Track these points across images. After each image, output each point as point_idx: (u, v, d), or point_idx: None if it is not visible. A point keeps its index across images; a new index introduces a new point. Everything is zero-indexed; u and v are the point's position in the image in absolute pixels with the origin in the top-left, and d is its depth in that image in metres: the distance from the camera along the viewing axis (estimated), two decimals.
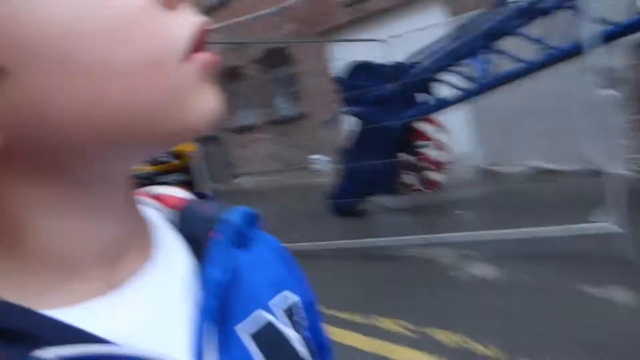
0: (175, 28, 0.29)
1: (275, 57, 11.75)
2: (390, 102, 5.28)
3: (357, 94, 5.46)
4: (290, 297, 0.44)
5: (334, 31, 10.21)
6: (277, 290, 0.43)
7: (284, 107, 12.30)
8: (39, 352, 0.26)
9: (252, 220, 0.41)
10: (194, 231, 0.39)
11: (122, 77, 0.27)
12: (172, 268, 0.36)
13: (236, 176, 12.71)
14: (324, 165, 10.10)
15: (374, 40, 6.33)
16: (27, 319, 0.27)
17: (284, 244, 0.50)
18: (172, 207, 0.42)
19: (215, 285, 0.35)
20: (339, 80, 5.89)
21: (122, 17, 0.27)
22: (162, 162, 11.91)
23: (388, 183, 5.85)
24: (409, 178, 6.10)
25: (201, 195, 0.46)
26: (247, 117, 13.02)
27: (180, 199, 0.43)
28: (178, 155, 12.18)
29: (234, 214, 0.40)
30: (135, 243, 0.35)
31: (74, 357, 0.27)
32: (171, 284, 0.35)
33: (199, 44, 0.30)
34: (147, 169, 11.67)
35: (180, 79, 0.29)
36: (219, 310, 0.35)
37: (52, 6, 0.26)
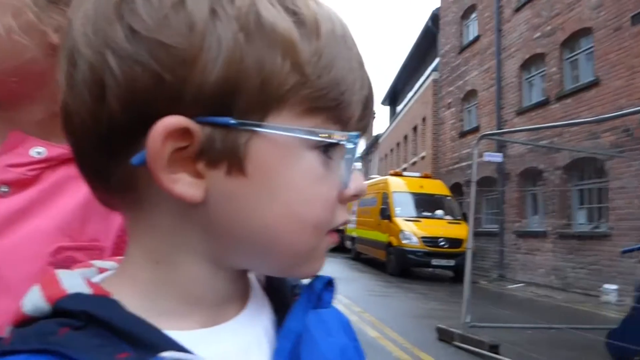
0: (337, 216, 0.43)
1: (584, 167, 10.77)
2: None
3: None
4: None
5: None
6: (347, 357, 0.51)
7: (582, 222, 11.05)
8: (162, 354, 0.35)
9: (329, 285, 0.48)
10: (280, 292, 0.49)
11: (301, 225, 0.40)
12: (260, 317, 0.46)
13: (506, 279, 11.86)
14: (614, 298, 8.59)
15: None
16: (151, 332, 0.37)
17: None
18: None
19: (290, 332, 0.43)
20: None
21: (328, 197, 0.41)
22: (439, 245, 12.09)
23: None
24: None
25: None
26: (537, 224, 12.16)
27: None
28: (454, 242, 12.22)
29: (317, 281, 0.47)
30: (240, 295, 0.46)
31: None
32: (258, 330, 0.44)
33: (337, 230, 0.44)
34: (420, 247, 12.02)
35: (320, 245, 0.42)
36: (290, 353, 0.42)
37: (301, 174, 0.40)
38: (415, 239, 12.27)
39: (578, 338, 5.35)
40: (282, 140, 0.38)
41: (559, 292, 10.15)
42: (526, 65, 13.22)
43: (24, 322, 0.37)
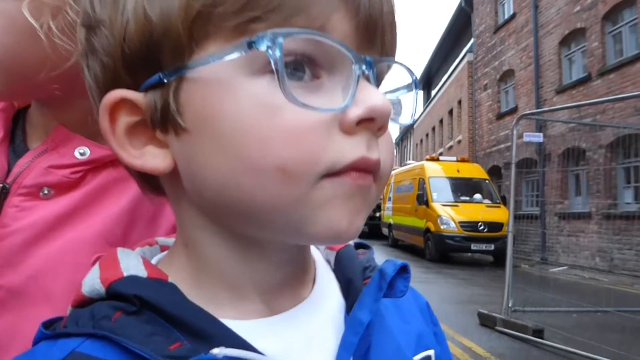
0: (340, 151, 0.33)
1: (630, 145, 10.35)
2: None
3: None
4: (432, 358, 0.47)
5: None
6: (422, 347, 0.46)
7: (629, 201, 10.66)
8: (213, 350, 0.32)
9: (403, 272, 0.43)
10: (349, 274, 0.44)
11: (258, 175, 0.33)
12: (325, 304, 0.42)
13: (548, 263, 11.60)
14: None
15: None
16: (209, 322, 0.35)
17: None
18: (330, 248, 0.48)
19: (358, 323, 0.39)
20: None
21: (294, 130, 0.32)
22: (478, 230, 11.90)
23: None
24: None
25: (363, 246, 0.50)
26: (580, 205, 11.81)
27: None
28: (493, 226, 12.00)
29: (388, 265, 0.42)
30: (298, 281, 0.42)
31: (235, 359, 0.33)
32: (323, 318, 0.41)
33: (357, 168, 0.34)
34: (459, 232, 11.87)
35: (311, 193, 0.33)
36: (357, 347, 0.38)
37: (242, 109, 0.33)
38: (453, 224, 12.11)
39: (627, 321, 5.18)
40: (211, 77, 0.33)
41: (605, 274, 9.84)
42: (565, 41, 12.75)
43: (82, 303, 0.37)
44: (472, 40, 19.45)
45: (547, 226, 12.44)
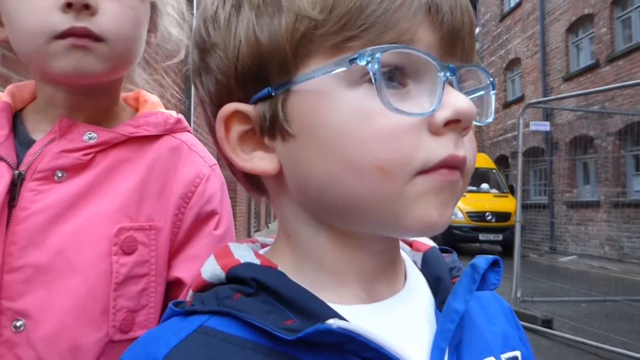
0: (430, 150, 0.37)
1: None
2: None
3: None
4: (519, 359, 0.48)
5: None
6: (509, 347, 0.48)
7: (638, 190, 10.55)
8: (329, 320, 0.35)
9: (495, 266, 0.46)
10: (437, 273, 0.47)
11: (359, 174, 0.37)
12: (417, 298, 0.45)
13: (557, 252, 11.55)
14: None
15: None
16: (315, 303, 0.39)
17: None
18: (416, 249, 0.51)
19: (454, 312, 0.41)
20: None
21: (389, 133, 0.36)
22: (485, 220, 11.86)
23: None
24: None
25: (446, 250, 0.53)
26: (589, 193, 11.72)
27: (424, 244, 0.52)
28: (501, 216, 11.95)
29: (480, 260, 0.45)
30: (391, 272, 0.45)
31: (343, 331, 0.35)
32: (416, 310, 0.44)
33: (447, 165, 0.37)
34: (466, 222, 11.83)
35: (406, 189, 0.37)
36: (453, 336, 0.41)
37: (343, 117, 0.37)
38: (460, 214, 12.05)
39: (636, 310, 5.15)
40: (313, 89, 0.38)
41: (615, 263, 9.78)
42: (573, 28, 12.61)
43: (203, 288, 0.43)
44: (477, 30, 19.29)
45: (556, 215, 12.35)
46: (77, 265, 0.62)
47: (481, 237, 11.80)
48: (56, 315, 0.60)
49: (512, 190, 11.94)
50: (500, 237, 11.56)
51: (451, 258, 0.51)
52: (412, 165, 0.36)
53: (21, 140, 0.68)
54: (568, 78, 12.49)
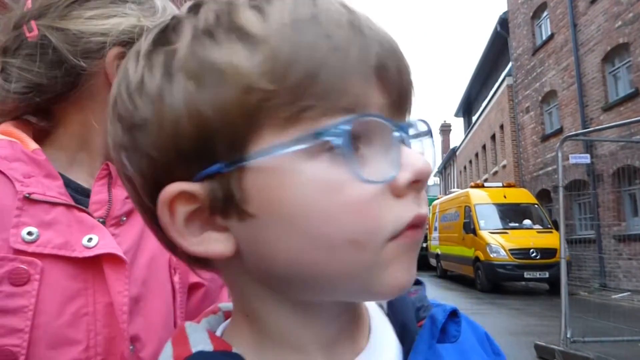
0: (397, 214, 0.36)
1: None
2: None
3: None
4: None
5: None
6: None
7: None
8: None
9: (453, 316, 0.44)
10: (402, 319, 0.45)
11: (330, 249, 0.35)
12: (382, 354, 0.42)
13: (609, 289, 10.98)
14: None
15: None
16: None
17: None
18: None
19: None
20: None
21: (357, 204, 0.35)
22: (530, 257, 11.45)
23: None
24: None
25: (415, 282, 0.50)
26: (639, 225, 11.20)
27: None
28: (546, 252, 11.52)
29: (438, 311, 0.43)
30: (355, 329, 0.43)
31: None
32: None
33: (413, 226, 0.37)
34: (510, 260, 11.45)
35: (379, 257, 0.35)
36: None
37: (307, 192, 0.34)
38: (503, 252, 11.71)
39: None
40: (271, 164, 0.35)
41: None
42: (608, 57, 12.40)
43: None
44: (510, 64, 19.24)
45: (604, 250, 11.82)
46: (156, 290, 0.72)
47: (526, 274, 11.38)
48: (154, 334, 0.71)
49: (556, 226, 11.55)
50: (546, 274, 11.11)
51: (418, 295, 0.48)
52: (384, 233, 0.35)
53: (70, 183, 0.71)
54: (607, 108, 12.21)
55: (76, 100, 0.73)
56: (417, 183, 0.37)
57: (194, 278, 0.80)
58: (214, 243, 0.38)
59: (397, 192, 0.36)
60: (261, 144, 0.35)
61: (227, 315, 0.46)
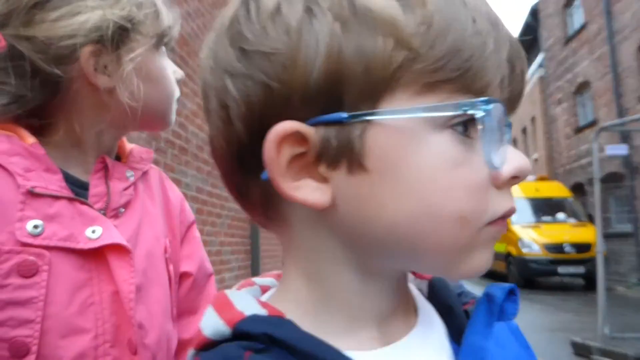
0: (496, 203, 0.37)
1: None
2: None
3: None
4: None
5: None
6: None
7: None
8: None
9: (512, 294, 0.44)
10: (448, 302, 0.45)
11: (439, 220, 0.36)
12: (433, 333, 0.43)
13: None
14: None
15: None
16: (332, 354, 0.35)
17: None
18: (420, 277, 0.49)
19: (473, 349, 0.40)
20: None
21: (473, 184, 0.36)
22: (564, 252, 11.19)
23: None
24: None
25: None
26: None
27: None
28: (581, 247, 11.24)
29: (496, 289, 0.43)
30: (405, 307, 0.43)
31: None
32: (434, 348, 0.42)
33: (505, 217, 0.38)
34: (543, 254, 11.21)
35: (474, 238, 0.37)
36: None
37: (432, 161, 0.35)
38: (536, 247, 11.47)
39: None
40: (400, 125, 0.35)
41: None
42: None
43: (206, 346, 0.38)
44: (541, 55, 18.81)
45: None
46: (154, 279, 0.75)
47: (560, 270, 11.12)
48: (156, 320, 0.74)
49: (591, 219, 11.27)
50: (582, 269, 10.84)
51: (456, 283, 0.50)
52: (486, 216, 0.37)
53: (68, 177, 0.71)
54: None
55: (62, 105, 0.72)
56: (516, 179, 0.38)
57: (182, 268, 0.85)
58: (313, 191, 0.36)
59: (499, 183, 0.37)
60: (394, 103, 0.35)
61: (263, 289, 0.45)
